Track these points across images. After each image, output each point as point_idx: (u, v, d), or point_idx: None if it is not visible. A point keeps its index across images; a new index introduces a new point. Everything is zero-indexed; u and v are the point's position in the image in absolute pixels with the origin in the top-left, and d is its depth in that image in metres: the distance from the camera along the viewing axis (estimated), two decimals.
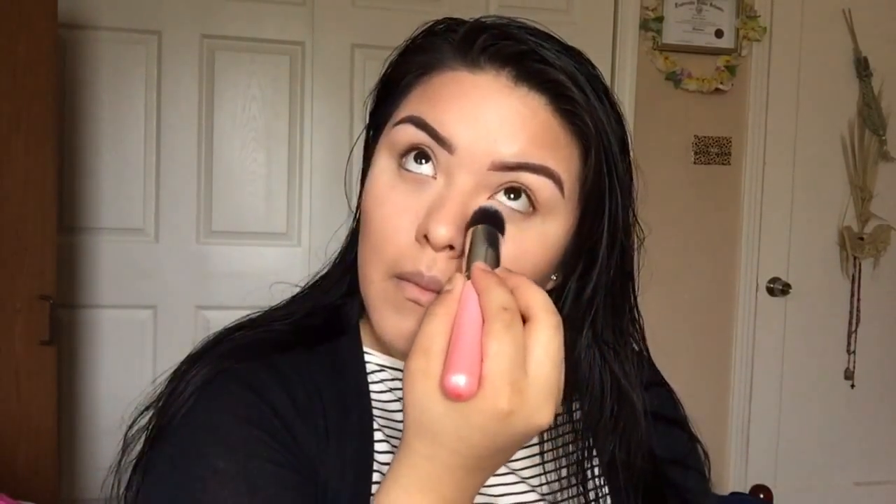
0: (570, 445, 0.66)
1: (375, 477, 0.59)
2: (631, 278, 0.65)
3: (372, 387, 0.64)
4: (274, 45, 2.25)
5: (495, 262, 0.51)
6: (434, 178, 0.57)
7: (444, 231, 0.54)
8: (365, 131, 0.68)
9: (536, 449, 0.66)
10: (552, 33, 0.61)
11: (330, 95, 2.27)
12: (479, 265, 0.49)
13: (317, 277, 0.70)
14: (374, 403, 0.63)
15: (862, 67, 2.54)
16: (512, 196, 0.57)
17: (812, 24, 2.51)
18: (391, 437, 0.62)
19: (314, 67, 2.26)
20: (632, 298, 0.66)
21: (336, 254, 0.70)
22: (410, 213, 0.57)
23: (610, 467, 0.65)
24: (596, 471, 0.66)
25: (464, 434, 0.46)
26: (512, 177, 0.56)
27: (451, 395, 0.44)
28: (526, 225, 0.57)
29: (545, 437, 0.66)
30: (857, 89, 2.56)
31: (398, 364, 0.65)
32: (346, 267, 0.68)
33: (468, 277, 0.49)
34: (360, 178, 0.67)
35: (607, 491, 0.66)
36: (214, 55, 2.22)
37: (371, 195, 0.59)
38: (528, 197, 0.57)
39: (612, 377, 0.63)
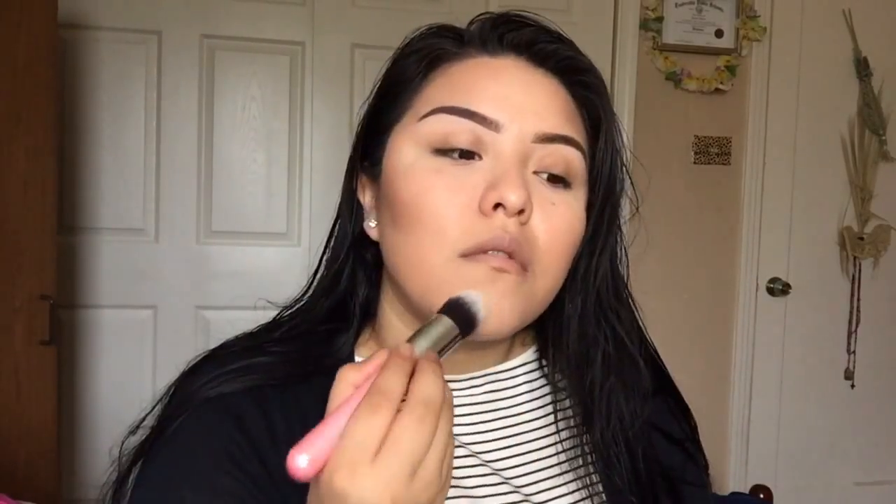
0: (571, 429, 0.66)
1: None
2: (620, 256, 0.69)
3: None
4: (274, 45, 2.25)
5: (434, 350, 0.50)
6: (479, 158, 0.59)
7: (517, 195, 0.56)
8: (357, 145, 0.67)
9: (521, 447, 0.66)
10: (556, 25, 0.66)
11: (330, 95, 2.27)
12: (402, 345, 0.47)
13: (302, 299, 0.69)
14: None
15: (862, 67, 2.54)
16: (553, 180, 0.60)
17: (812, 24, 2.51)
18: None
19: (314, 67, 2.26)
20: (623, 278, 0.70)
21: (314, 279, 0.69)
22: (466, 191, 0.58)
23: (606, 464, 0.65)
24: (590, 467, 0.66)
25: None
26: (552, 149, 0.59)
27: (291, 473, 0.43)
28: (569, 196, 0.61)
29: (558, 422, 0.66)
30: (857, 89, 2.56)
31: None
32: (336, 291, 0.68)
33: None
34: (345, 189, 0.68)
35: (602, 491, 0.66)
36: (214, 55, 2.22)
37: (412, 185, 0.59)
38: (564, 177, 0.61)
39: (615, 336, 0.66)
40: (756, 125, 2.49)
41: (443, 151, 0.59)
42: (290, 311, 0.69)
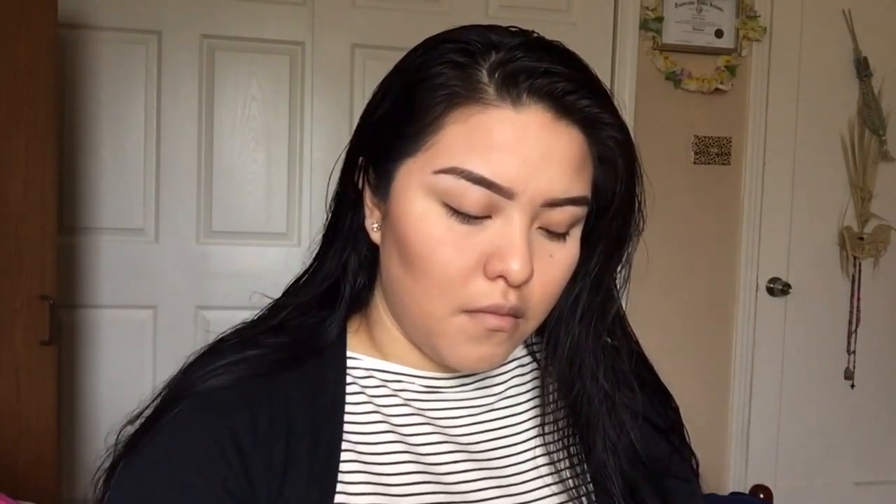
0: (564, 439, 0.68)
1: (339, 498, 0.60)
2: (616, 268, 0.69)
3: (351, 398, 0.65)
4: (274, 45, 2.25)
5: None
6: (490, 217, 0.60)
7: (523, 271, 0.58)
8: (357, 145, 0.67)
9: (513, 449, 0.68)
10: (562, 45, 0.63)
11: (330, 95, 2.27)
12: None
13: (294, 287, 0.71)
14: (347, 418, 0.64)
15: (862, 67, 2.54)
16: (554, 237, 0.62)
17: (812, 24, 2.51)
18: (362, 452, 0.63)
19: (314, 67, 2.26)
20: (617, 288, 0.70)
21: (311, 261, 0.71)
22: (474, 252, 0.59)
23: (597, 467, 0.67)
24: (587, 477, 0.67)
25: None
26: (557, 211, 0.60)
27: None
28: (568, 242, 0.62)
29: (546, 435, 0.67)
30: (857, 89, 2.56)
31: (391, 367, 0.68)
32: (325, 280, 0.69)
33: None
34: (339, 182, 0.68)
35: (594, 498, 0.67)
36: (214, 55, 2.22)
37: (422, 236, 0.60)
38: (564, 230, 0.62)
39: (605, 358, 0.68)
40: (756, 125, 2.49)
41: (454, 210, 0.59)
42: (285, 298, 0.70)
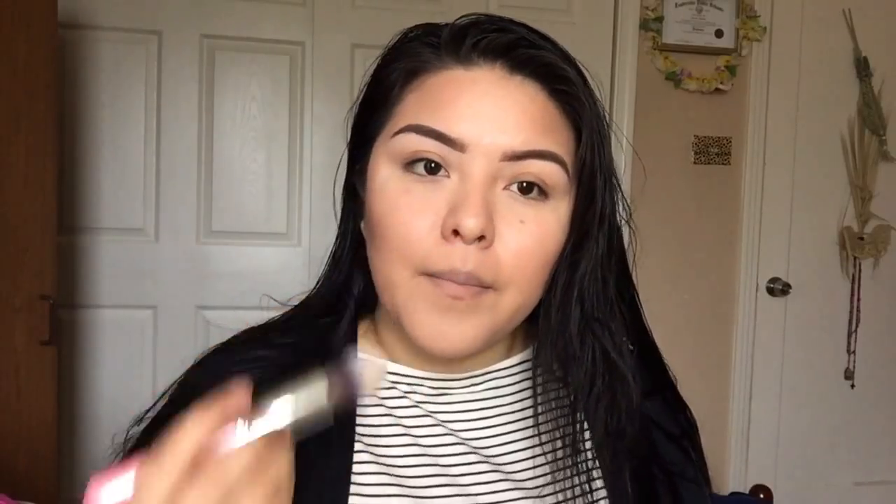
0: (562, 427, 0.65)
1: (353, 496, 0.60)
2: (619, 253, 0.67)
3: (362, 400, 0.65)
4: (274, 45, 2.25)
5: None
6: (448, 177, 0.59)
7: (474, 222, 0.56)
8: (348, 149, 0.68)
9: (528, 453, 0.66)
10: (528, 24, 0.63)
11: (330, 95, 2.27)
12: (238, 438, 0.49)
13: (306, 297, 0.71)
14: (359, 420, 0.64)
15: (862, 67, 2.54)
16: (525, 190, 0.60)
17: (812, 24, 2.51)
18: (375, 453, 0.63)
19: (314, 67, 2.26)
20: (626, 273, 0.69)
21: (323, 271, 0.71)
22: (430, 212, 0.58)
23: (602, 451, 0.65)
24: (588, 454, 0.65)
25: None
26: (522, 166, 0.59)
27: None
28: (543, 210, 0.60)
29: (539, 425, 0.65)
30: (857, 89, 2.56)
31: (401, 369, 0.67)
32: (334, 286, 0.69)
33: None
34: (342, 197, 0.69)
35: (601, 485, 0.65)
36: (214, 55, 2.22)
37: (383, 203, 0.60)
38: (539, 186, 0.60)
39: (601, 350, 0.64)
40: (756, 125, 2.49)
41: (411, 164, 0.59)
42: (296, 305, 0.70)
